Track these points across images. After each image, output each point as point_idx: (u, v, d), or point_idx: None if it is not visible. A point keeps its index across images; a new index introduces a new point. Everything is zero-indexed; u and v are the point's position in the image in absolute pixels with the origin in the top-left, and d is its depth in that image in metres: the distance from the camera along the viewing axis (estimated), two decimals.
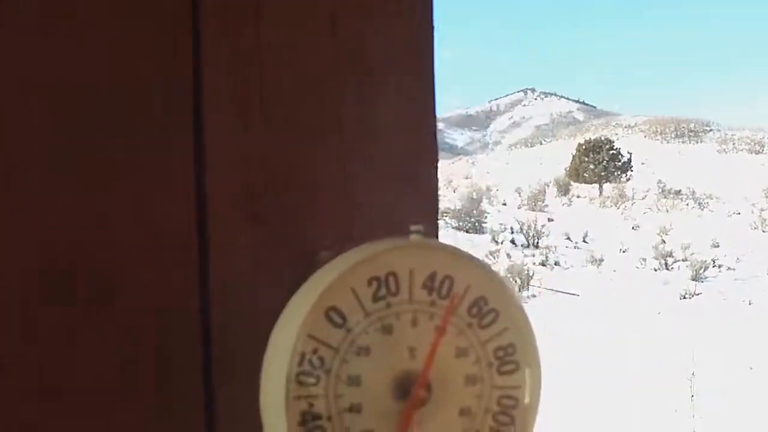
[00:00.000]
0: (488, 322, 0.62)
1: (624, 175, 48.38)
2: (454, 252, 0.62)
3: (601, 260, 22.31)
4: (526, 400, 0.63)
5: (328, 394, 0.58)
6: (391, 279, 0.59)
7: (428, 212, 0.76)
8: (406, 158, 0.76)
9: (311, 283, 0.59)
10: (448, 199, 34.03)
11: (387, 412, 0.59)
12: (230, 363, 0.66)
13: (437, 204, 0.77)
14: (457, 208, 29.39)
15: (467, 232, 27.17)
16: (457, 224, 27.88)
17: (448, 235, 25.92)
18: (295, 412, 0.57)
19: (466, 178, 49.14)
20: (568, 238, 26.21)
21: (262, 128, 0.69)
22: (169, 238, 0.66)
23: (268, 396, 0.58)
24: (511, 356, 0.62)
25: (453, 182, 43.93)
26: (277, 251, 0.69)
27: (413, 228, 0.61)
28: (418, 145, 0.76)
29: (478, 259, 0.63)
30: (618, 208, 34.50)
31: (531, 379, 0.63)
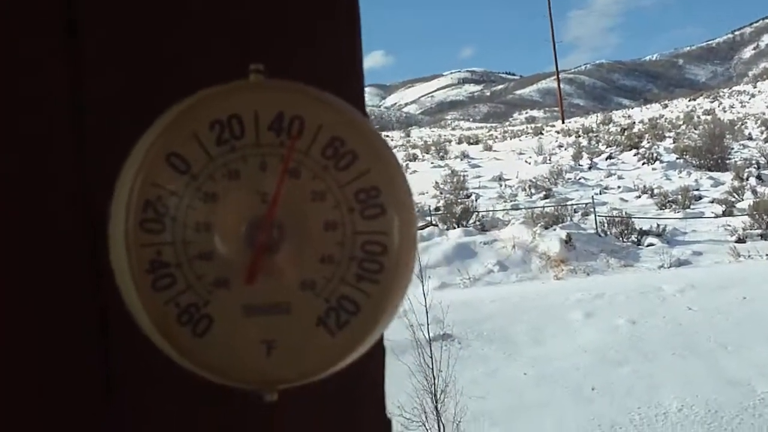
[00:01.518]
0: (346, 164, 0.58)
1: None
2: (302, 91, 0.58)
3: None
4: (395, 245, 0.58)
5: (176, 241, 0.57)
6: (234, 121, 0.57)
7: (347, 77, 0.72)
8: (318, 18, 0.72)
9: (150, 129, 0.58)
10: (687, 137, 32.36)
11: (240, 260, 0.57)
12: None
13: (360, 71, 0.72)
14: (698, 145, 27.92)
15: (709, 169, 25.78)
16: (698, 162, 26.55)
17: (686, 174, 24.73)
18: (142, 260, 0.56)
19: (708, 114, 46.27)
20: None
21: None
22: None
23: (113, 245, 0.57)
24: (374, 199, 0.58)
25: (694, 119, 41.56)
26: None
27: (252, 67, 0.58)
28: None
29: (331, 97, 0.59)
30: None
31: (400, 223, 0.58)
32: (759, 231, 16.85)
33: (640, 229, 18.04)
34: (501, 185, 26.36)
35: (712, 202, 20.75)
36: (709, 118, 41.21)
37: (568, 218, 19.58)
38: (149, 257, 0.56)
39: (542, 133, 42.12)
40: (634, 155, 29.51)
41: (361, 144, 0.58)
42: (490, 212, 20.53)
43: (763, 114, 41.63)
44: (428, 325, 8.74)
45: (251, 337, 0.58)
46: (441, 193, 25.31)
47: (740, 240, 16.54)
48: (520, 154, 33.65)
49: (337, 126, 0.58)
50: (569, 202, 22.21)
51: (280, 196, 0.57)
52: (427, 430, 7.84)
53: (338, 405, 0.72)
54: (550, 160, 30.66)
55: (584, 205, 21.14)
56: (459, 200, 22.88)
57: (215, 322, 0.57)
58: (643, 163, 27.78)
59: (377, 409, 0.74)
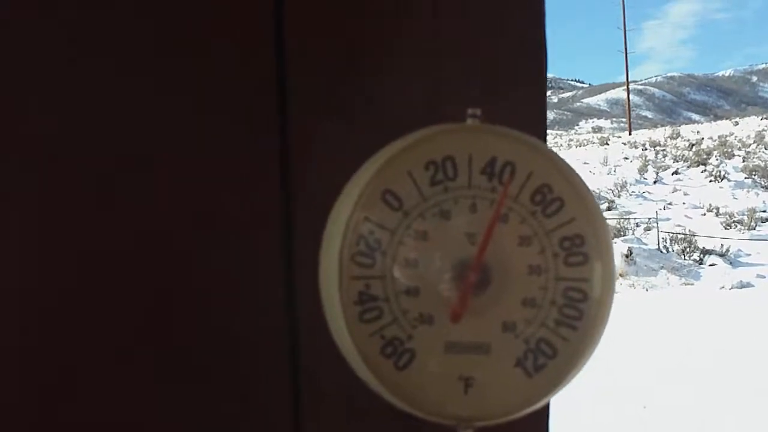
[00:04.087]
0: (553, 211, 0.60)
1: None
2: (515, 137, 0.60)
3: None
4: (596, 294, 0.60)
5: (385, 276, 0.59)
6: (448, 163, 0.59)
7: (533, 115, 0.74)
8: (508, 65, 0.74)
9: (367, 165, 0.60)
10: (757, 156, 31.74)
11: (445, 298, 0.59)
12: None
13: (544, 104, 0.74)
14: (766, 165, 27.41)
15: None
16: (765, 183, 26.03)
17: (754, 194, 24.28)
18: (351, 292, 0.58)
19: None
20: None
21: None
22: None
23: (324, 275, 0.60)
24: (578, 248, 0.60)
25: (765, 138, 40.72)
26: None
27: (470, 111, 0.60)
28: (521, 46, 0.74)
29: (542, 145, 0.60)
30: None
31: (601, 272, 0.60)
32: None
33: (703, 248, 17.76)
34: None
35: None
36: None
37: (630, 232, 19.37)
38: (358, 289, 0.59)
39: (608, 144, 41.68)
40: (702, 172, 29.05)
41: (568, 192, 0.60)
42: None
43: None
44: None
45: (450, 374, 0.59)
46: None
47: None
48: (585, 164, 33.32)
49: (547, 173, 0.59)
50: (632, 216, 21.95)
51: (489, 240, 0.59)
52: None
53: None
54: (614, 171, 30.34)
55: (647, 220, 20.88)
56: None
57: (417, 356, 0.59)
58: (711, 181, 27.33)
59: None
